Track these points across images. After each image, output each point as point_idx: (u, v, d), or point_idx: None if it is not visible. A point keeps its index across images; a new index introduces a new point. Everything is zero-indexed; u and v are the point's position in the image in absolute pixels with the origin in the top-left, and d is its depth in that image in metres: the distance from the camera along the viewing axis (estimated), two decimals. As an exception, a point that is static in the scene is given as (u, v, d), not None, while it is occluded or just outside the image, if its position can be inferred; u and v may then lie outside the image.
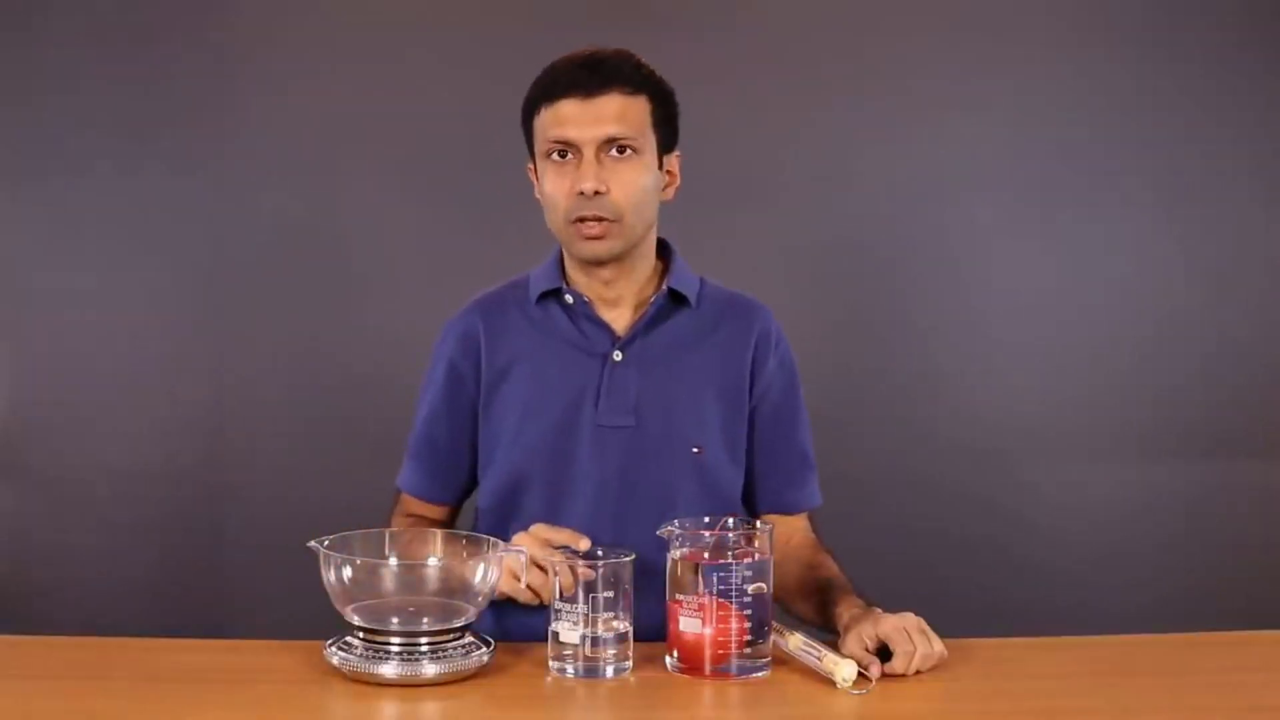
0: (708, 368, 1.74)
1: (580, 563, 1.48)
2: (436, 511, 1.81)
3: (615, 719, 1.41)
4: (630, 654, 1.49)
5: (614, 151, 1.65)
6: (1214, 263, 2.75)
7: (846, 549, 2.66)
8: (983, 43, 2.73)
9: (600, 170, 1.64)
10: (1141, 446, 2.76)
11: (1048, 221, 2.75)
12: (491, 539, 1.54)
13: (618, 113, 1.65)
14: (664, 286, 1.74)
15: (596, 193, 1.64)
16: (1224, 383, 2.75)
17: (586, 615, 1.47)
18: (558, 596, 1.49)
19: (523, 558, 1.55)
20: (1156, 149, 2.74)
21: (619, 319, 1.74)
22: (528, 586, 1.56)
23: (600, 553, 1.51)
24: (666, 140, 1.72)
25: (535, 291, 1.75)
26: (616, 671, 1.48)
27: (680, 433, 1.71)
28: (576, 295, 1.73)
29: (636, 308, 1.74)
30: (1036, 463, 2.74)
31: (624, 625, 1.48)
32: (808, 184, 2.73)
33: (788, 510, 1.80)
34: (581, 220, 1.66)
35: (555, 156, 1.67)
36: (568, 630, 1.47)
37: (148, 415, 2.69)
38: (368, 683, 1.43)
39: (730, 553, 1.49)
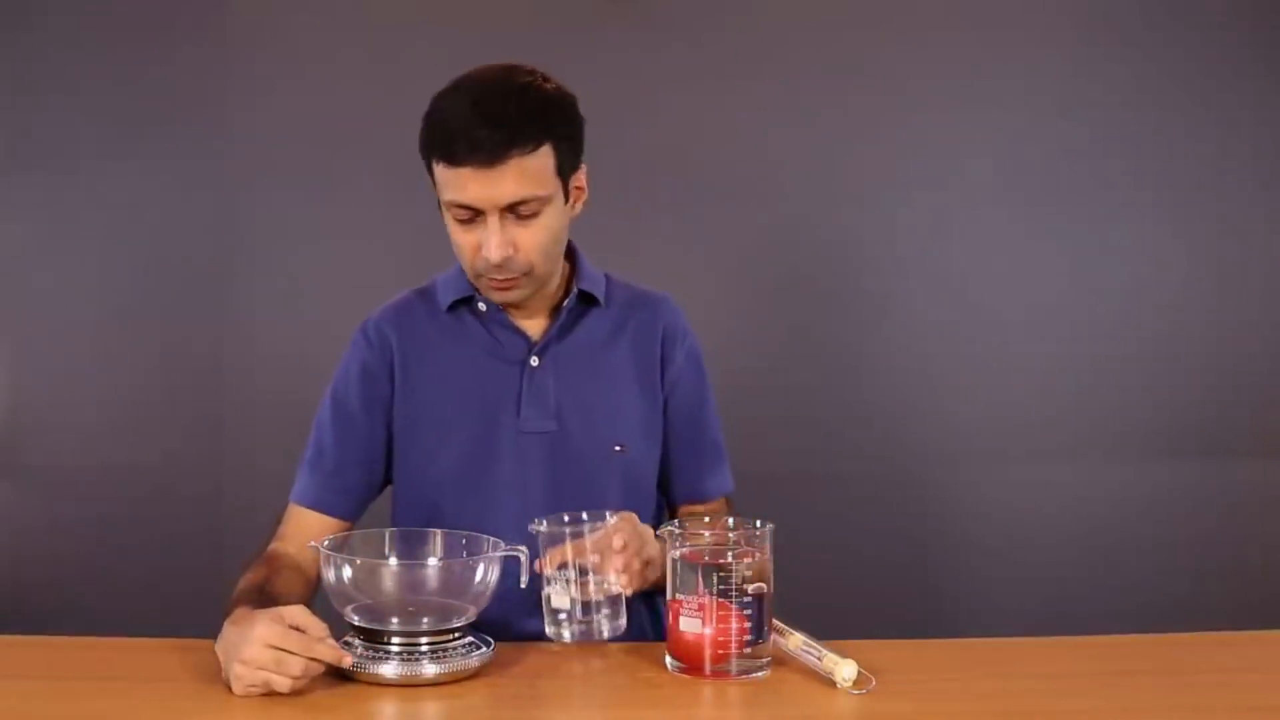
0: (622, 365, 1.74)
1: (569, 534, 1.50)
2: (325, 530, 1.67)
3: (615, 719, 1.41)
4: (624, 613, 1.50)
5: (519, 208, 1.59)
6: (1214, 263, 2.75)
7: (849, 549, 2.68)
8: (982, 42, 2.73)
9: (504, 233, 1.60)
10: (1142, 446, 2.75)
11: (1047, 221, 2.75)
12: (492, 539, 1.53)
13: (520, 177, 1.57)
14: (574, 289, 1.73)
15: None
16: (1224, 383, 2.75)
17: (576, 580, 1.48)
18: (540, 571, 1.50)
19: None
20: (1156, 149, 2.74)
21: (534, 325, 1.74)
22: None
23: (586, 516, 1.53)
24: (572, 164, 1.65)
25: (445, 300, 1.74)
26: (612, 631, 1.49)
27: (602, 433, 1.72)
28: (490, 302, 1.72)
29: (549, 311, 1.74)
30: (1037, 463, 2.74)
31: (616, 587, 1.49)
32: (807, 183, 2.73)
33: (705, 498, 1.81)
34: (490, 277, 1.64)
35: (457, 213, 1.62)
36: (559, 595, 1.49)
37: (147, 414, 2.69)
38: (368, 683, 1.43)
39: (730, 553, 1.49)
